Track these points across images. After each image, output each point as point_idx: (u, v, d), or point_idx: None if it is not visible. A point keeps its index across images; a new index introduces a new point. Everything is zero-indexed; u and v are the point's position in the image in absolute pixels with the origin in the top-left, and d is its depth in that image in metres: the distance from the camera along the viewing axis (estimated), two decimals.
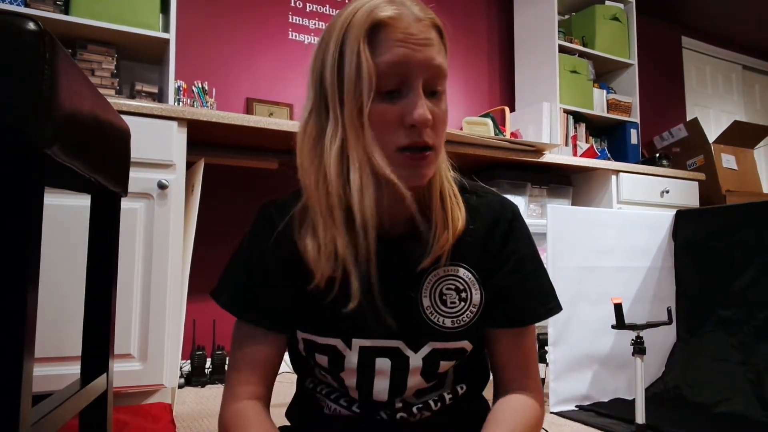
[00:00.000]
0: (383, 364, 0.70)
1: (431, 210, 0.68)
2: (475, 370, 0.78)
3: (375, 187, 0.63)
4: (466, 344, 0.71)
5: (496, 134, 2.66)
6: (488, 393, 0.82)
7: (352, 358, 0.69)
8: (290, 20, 2.76)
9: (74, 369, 0.97)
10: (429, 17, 0.64)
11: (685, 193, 2.81)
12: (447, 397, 0.73)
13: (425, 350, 0.70)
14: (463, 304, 0.70)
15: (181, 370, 2.05)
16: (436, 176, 0.69)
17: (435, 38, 0.64)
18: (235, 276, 0.73)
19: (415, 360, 0.70)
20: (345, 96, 0.62)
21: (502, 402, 0.72)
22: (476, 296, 0.71)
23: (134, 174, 1.12)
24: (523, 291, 0.72)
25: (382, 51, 0.61)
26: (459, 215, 0.69)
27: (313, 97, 0.66)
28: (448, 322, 0.70)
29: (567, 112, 3.18)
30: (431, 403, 0.72)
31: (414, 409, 0.71)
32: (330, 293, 0.67)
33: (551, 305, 0.73)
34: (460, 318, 0.70)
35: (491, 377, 0.80)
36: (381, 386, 0.70)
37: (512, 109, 3.29)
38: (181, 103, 2.33)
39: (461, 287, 0.70)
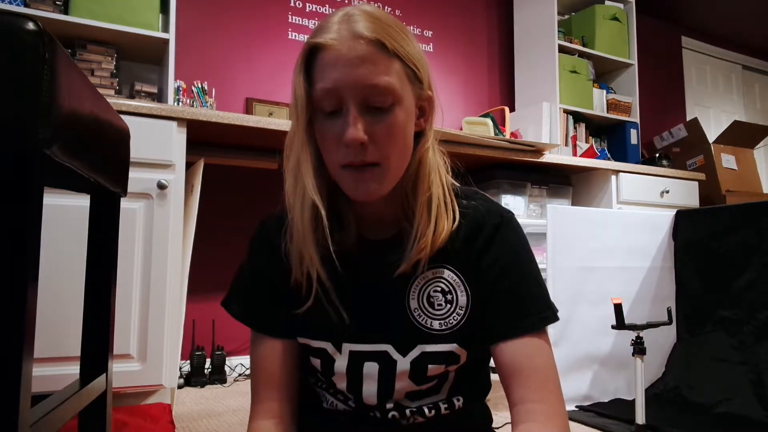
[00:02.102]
0: (371, 368, 0.70)
1: (415, 216, 0.68)
2: (475, 383, 0.77)
3: (312, 207, 0.66)
4: (455, 348, 0.70)
5: (495, 134, 2.66)
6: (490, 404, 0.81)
7: (341, 363, 0.71)
8: (290, 20, 2.76)
9: (73, 369, 0.96)
10: (370, 34, 0.62)
11: (685, 193, 2.81)
12: (442, 406, 0.73)
13: (414, 353, 0.69)
14: (449, 306, 0.70)
15: (180, 370, 2.05)
16: (423, 182, 0.69)
17: (374, 54, 0.62)
18: (242, 288, 0.76)
19: (403, 364, 0.70)
20: (292, 119, 0.67)
21: None
22: (462, 298, 0.70)
23: (134, 174, 1.12)
24: (510, 300, 0.69)
25: (318, 76, 0.63)
26: (445, 223, 0.68)
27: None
28: (436, 324, 0.69)
29: (567, 112, 3.17)
30: (425, 409, 0.72)
31: (407, 411, 0.72)
32: (307, 296, 0.69)
33: (545, 314, 0.69)
34: (448, 320, 0.70)
35: (490, 387, 0.80)
36: (370, 390, 0.71)
37: (512, 109, 3.29)
38: (180, 103, 2.33)
39: (446, 289, 0.70)
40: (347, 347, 0.70)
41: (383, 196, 0.67)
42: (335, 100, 0.62)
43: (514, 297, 0.69)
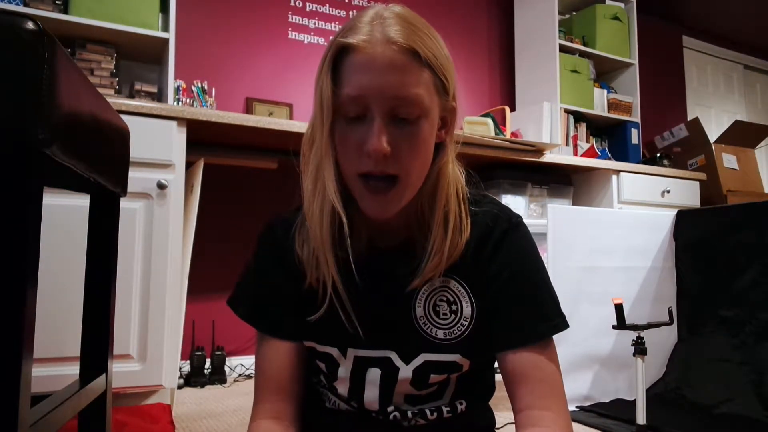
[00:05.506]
0: (373, 374, 0.70)
1: (430, 230, 0.67)
2: (478, 386, 0.77)
3: (331, 212, 0.64)
4: (458, 358, 0.69)
5: (496, 134, 2.65)
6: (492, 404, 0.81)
7: (345, 367, 0.71)
8: (290, 20, 2.76)
9: (73, 369, 0.96)
10: (404, 41, 0.59)
11: (686, 193, 2.81)
12: (445, 410, 0.72)
13: (417, 362, 0.69)
14: (454, 316, 0.69)
15: (180, 370, 2.05)
16: (440, 196, 0.67)
17: (406, 63, 0.59)
18: (248, 288, 0.76)
19: (405, 371, 0.69)
20: (316, 120, 0.64)
21: None
22: (467, 309, 0.69)
23: (133, 174, 1.11)
24: (519, 307, 0.68)
25: (345, 78, 0.60)
26: (459, 241, 0.67)
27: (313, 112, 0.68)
28: (440, 334, 0.69)
29: (567, 111, 3.17)
30: (427, 411, 0.72)
31: (409, 413, 0.72)
32: (322, 301, 0.68)
33: (555, 321, 0.69)
34: (453, 330, 0.69)
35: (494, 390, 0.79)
36: (371, 396, 0.71)
37: (512, 109, 3.29)
38: (180, 103, 2.32)
39: (452, 299, 0.70)
40: (352, 352, 0.70)
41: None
42: (360, 107, 0.60)
43: (523, 305, 0.68)
